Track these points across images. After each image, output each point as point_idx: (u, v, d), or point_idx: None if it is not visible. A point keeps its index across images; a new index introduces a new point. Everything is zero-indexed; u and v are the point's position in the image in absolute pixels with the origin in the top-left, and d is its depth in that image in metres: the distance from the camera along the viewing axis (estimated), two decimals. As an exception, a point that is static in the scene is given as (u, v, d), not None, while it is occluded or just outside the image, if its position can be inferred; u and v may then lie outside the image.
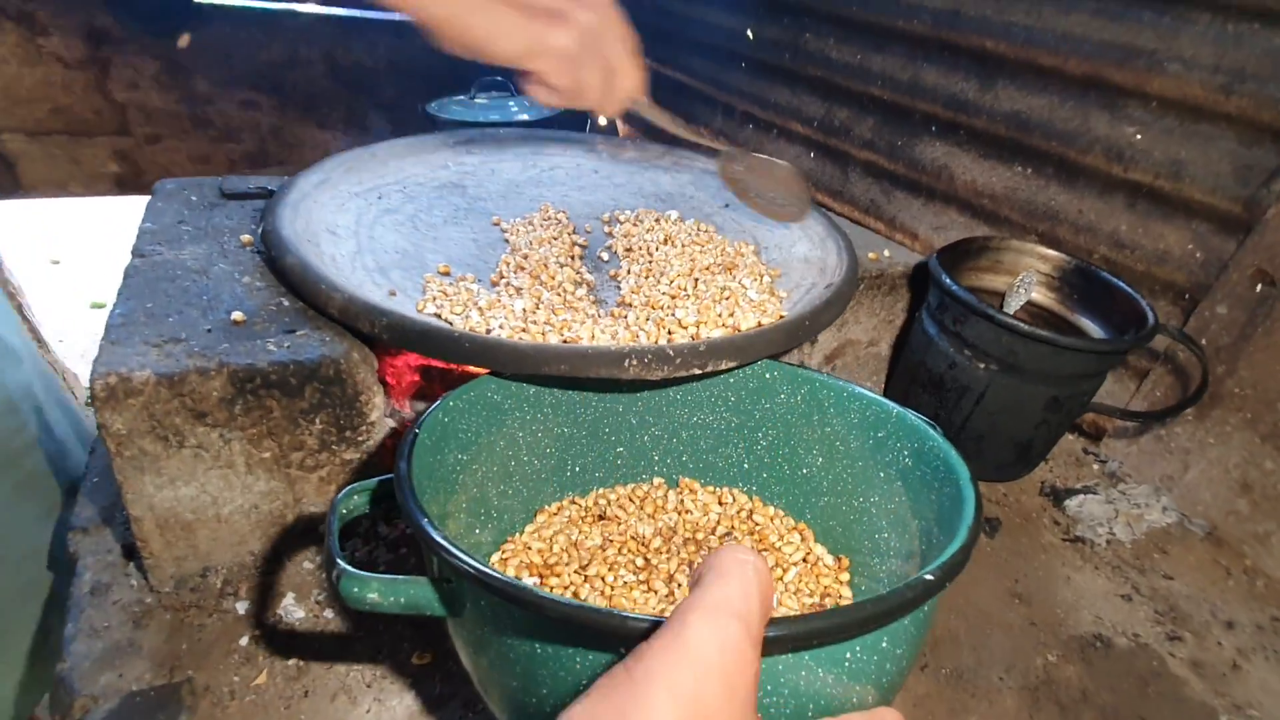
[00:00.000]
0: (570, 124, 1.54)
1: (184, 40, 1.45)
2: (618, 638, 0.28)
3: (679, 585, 0.51)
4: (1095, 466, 0.77)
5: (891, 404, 0.52)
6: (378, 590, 0.34)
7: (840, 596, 0.52)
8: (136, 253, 0.63)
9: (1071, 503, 0.71)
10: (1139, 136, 0.80)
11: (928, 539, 0.47)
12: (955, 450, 0.45)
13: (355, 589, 0.33)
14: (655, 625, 0.25)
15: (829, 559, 0.55)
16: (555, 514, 0.58)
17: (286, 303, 0.57)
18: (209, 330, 0.51)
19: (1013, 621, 0.59)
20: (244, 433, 0.50)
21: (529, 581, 0.51)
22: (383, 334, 0.52)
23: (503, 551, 0.54)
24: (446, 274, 0.66)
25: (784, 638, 0.28)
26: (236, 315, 0.53)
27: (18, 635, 0.66)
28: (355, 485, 0.40)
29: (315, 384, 0.51)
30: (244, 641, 0.50)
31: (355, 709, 0.47)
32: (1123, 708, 0.52)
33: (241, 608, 0.52)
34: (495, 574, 0.31)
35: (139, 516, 0.50)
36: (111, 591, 0.52)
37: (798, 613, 0.51)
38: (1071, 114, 0.85)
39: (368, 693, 0.48)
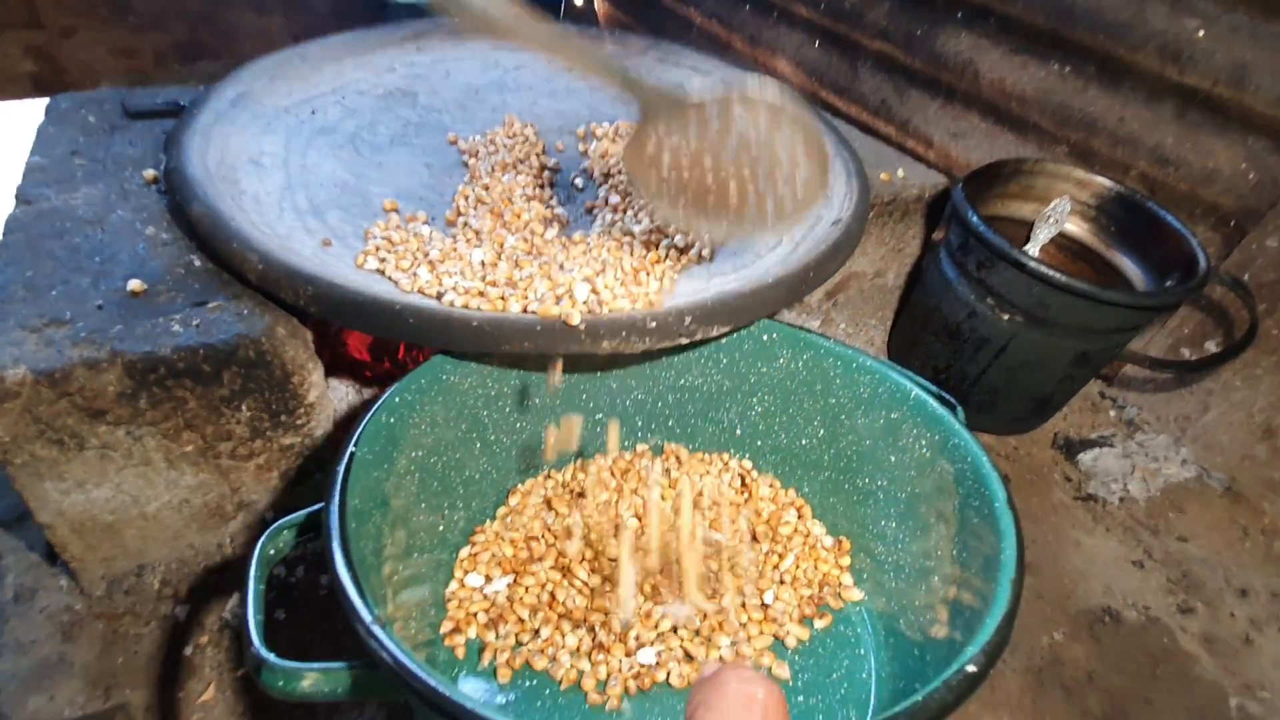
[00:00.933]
0: (540, 5, 1.35)
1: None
2: None
3: (663, 587, 0.47)
4: (1112, 413, 0.72)
5: (909, 383, 0.45)
6: (310, 682, 0.28)
7: (840, 586, 0.48)
8: (20, 198, 0.52)
9: (1085, 457, 0.66)
10: (1201, 33, 0.68)
11: (957, 546, 0.42)
12: (988, 460, 0.39)
13: (280, 683, 0.28)
14: None
15: (827, 540, 0.51)
16: (529, 493, 0.53)
17: (198, 262, 0.48)
18: (100, 306, 0.43)
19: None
20: (156, 428, 0.43)
21: (503, 583, 0.46)
22: (309, 305, 0.43)
23: (472, 544, 0.49)
24: (394, 211, 0.56)
25: None
26: (134, 284, 0.45)
27: None
28: (282, 521, 0.34)
29: (234, 369, 0.43)
30: (188, 651, 0.45)
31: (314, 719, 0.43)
32: (1130, 691, 0.50)
33: (183, 612, 0.47)
34: (435, 686, 0.25)
35: (49, 523, 0.43)
36: (38, 598, 0.47)
37: (794, 606, 0.47)
38: (1125, 3, 0.72)
39: (327, 703, 0.44)
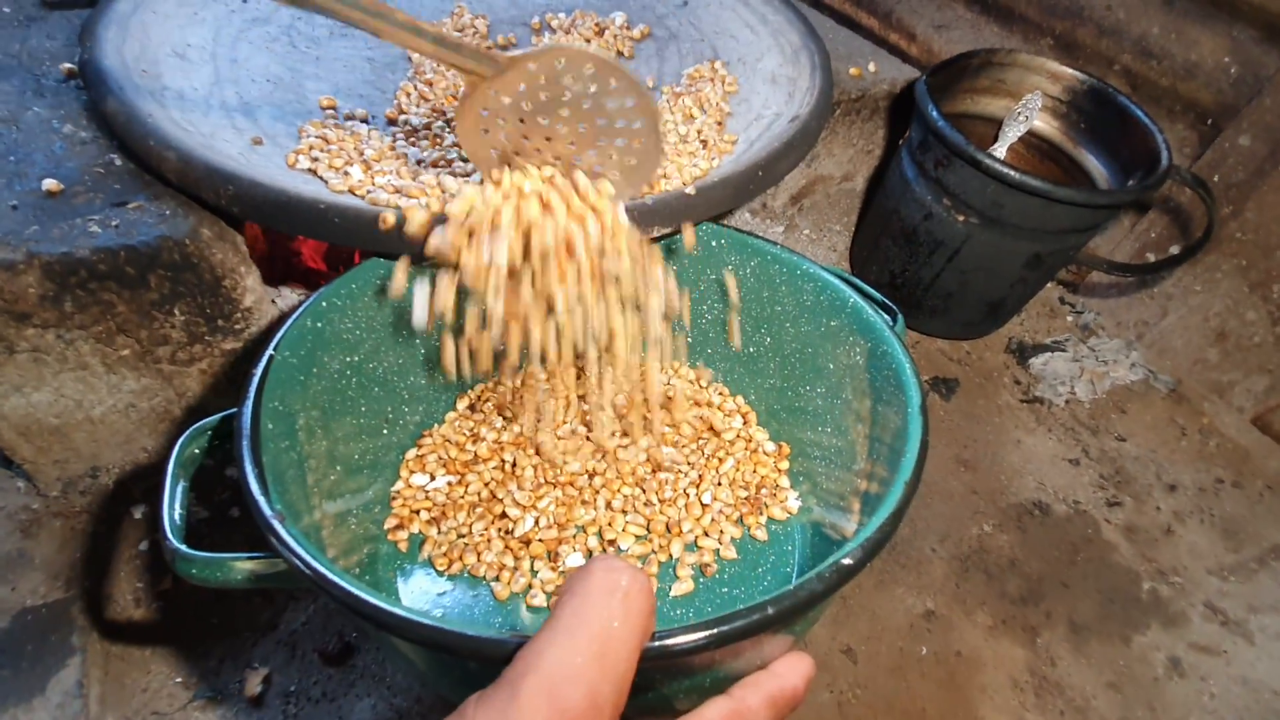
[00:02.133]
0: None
1: None
2: (475, 658, 0.24)
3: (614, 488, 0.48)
4: (1070, 319, 0.73)
5: (849, 291, 0.45)
6: (227, 572, 0.29)
7: (777, 488, 0.50)
8: (-74, 92, 0.50)
9: (1036, 361, 0.67)
10: (1199, -93, 0.63)
11: (871, 442, 0.43)
12: (912, 367, 0.39)
13: (195, 571, 0.29)
14: (516, 648, 0.21)
15: (769, 445, 0.52)
16: (480, 398, 0.54)
17: (119, 161, 0.46)
18: (14, 206, 0.42)
19: (954, 490, 0.57)
20: (87, 331, 0.43)
21: (443, 481, 0.47)
22: (232, 206, 0.42)
23: (419, 447, 0.50)
24: (331, 109, 0.54)
25: (664, 659, 0.24)
26: (50, 184, 0.43)
27: None
28: (200, 424, 0.34)
29: (160, 272, 0.42)
30: (144, 546, 0.47)
31: (270, 606, 0.46)
32: (1048, 575, 0.53)
33: (139, 510, 0.49)
34: (330, 577, 0.26)
35: (-8, 426, 0.44)
36: (-7, 497, 0.48)
37: (730, 505, 0.48)
38: None
39: (282, 592, 0.46)
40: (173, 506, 0.30)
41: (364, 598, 0.25)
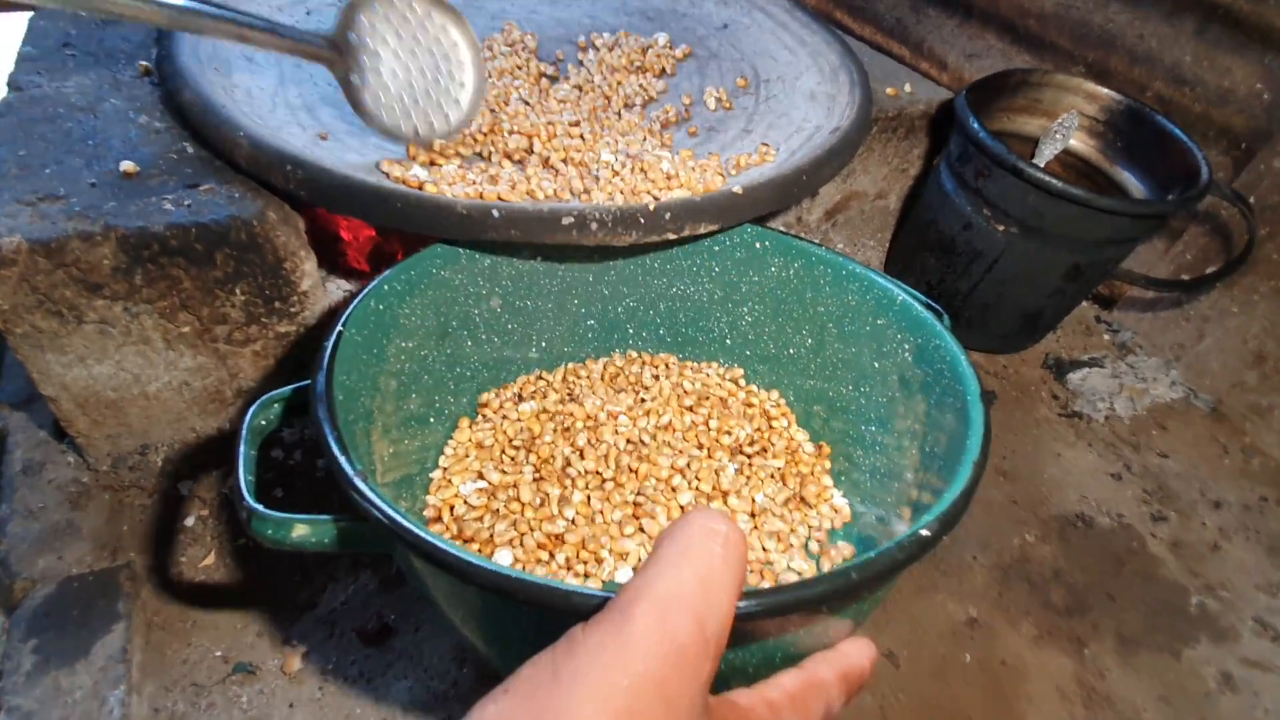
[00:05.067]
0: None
1: None
2: (559, 612, 0.24)
3: (650, 491, 0.48)
4: (1106, 337, 0.72)
5: (896, 289, 0.45)
6: (299, 533, 0.30)
7: (822, 487, 0.49)
8: (11, 85, 0.52)
9: (1074, 376, 0.66)
10: (1229, -60, 0.65)
11: (924, 450, 0.43)
12: (965, 358, 0.39)
13: (270, 531, 0.29)
14: (602, 603, 0.21)
15: (809, 446, 0.52)
16: (519, 392, 0.54)
17: (190, 149, 0.48)
18: (93, 184, 0.43)
19: (994, 499, 0.57)
20: (153, 305, 0.44)
21: (472, 486, 0.47)
22: (299, 190, 0.44)
23: (456, 439, 0.50)
24: None
25: (754, 620, 0.24)
26: (127, 165, 0.45)
27: None
28: (271, 394, 0.35)
29: (226, 250, 0.44)
30: (189, 522, 0.48)
31: (310, 585, 0.46)
32: (1093, 586, 0.51)
33: (185, 488, 0.49)
34: (422, 535, 0.26)
35: (53, 396, 0.45)
36: (46, 470, 0.49)
37: (778, 504, 0.48)
38: (1151, -91, 0.69)
39: (322, 571, 0.46)
40: (247, 471, 0.31)
41: (455, 552, 0.26)
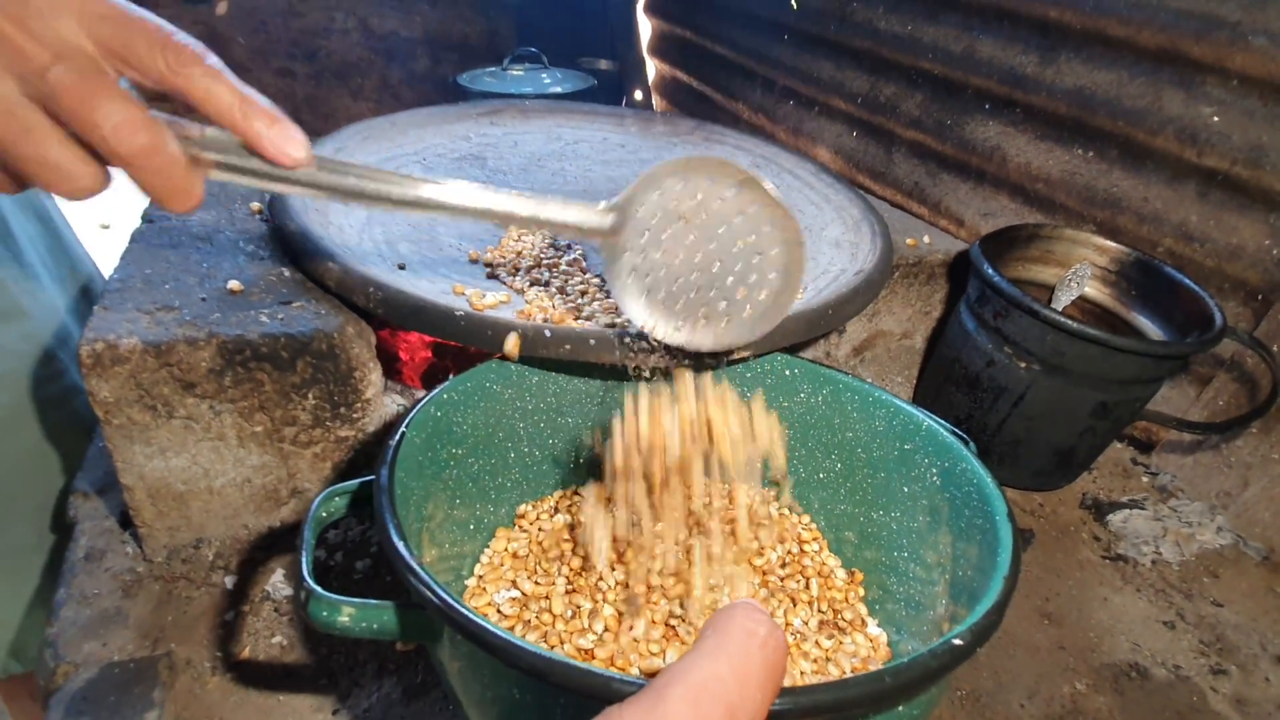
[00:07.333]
0: (603, 97, 1.49)
1: (222, 7, 1.45)
2: (598, 699, 0.25)
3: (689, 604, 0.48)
4: (1145, 479, 0.71)
5: (922, 415, 0.48)
6: (349, 616, 0.31)
7: (856, 615, 0.49)
8: (145, 217, 0.62)
9: (1115, 518, 0.65)
10: (1216, 118, 0.72)
11: (955, 571, 0.43)
12: (992, 479, 0.41)
13: (324, 613, 0.31)
14: (639, 689, 0.22)
15: (841, 573, 0.52)
16: (557, 505, 0.56)
17: (287, 273, 0.56)
18: (203, 299, 0.50)
19: (1040, 643, 0.54)
20: (234, 405, 0.49)
21: (505, 595, 0.48)
22: (377, 308, 0.50)
23: (492, 549, 0.52)
24: (474, 262, 0.63)
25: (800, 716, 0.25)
26: (233, 284, 0.52)
27: (25, 581, 0.65)
28: (336, 487, 0.38)
29: (307, 358, 0.49)
30: (230, 616, 0.49)
31: (336, 689, 0.46)
32: (1157, 746, 0.48)
33: (230, 582, 0.51)
34: (471, 616, 0.28)
35: (130, 485, 0.49)
36: (105, 558, 0.51)
37: (812, 630, 0.47)
38: (1142, 91, 0.78)
39: (348, 676, 0.46)
40: (309, 553, 0.33)
41: (501, 634, 0.27)
